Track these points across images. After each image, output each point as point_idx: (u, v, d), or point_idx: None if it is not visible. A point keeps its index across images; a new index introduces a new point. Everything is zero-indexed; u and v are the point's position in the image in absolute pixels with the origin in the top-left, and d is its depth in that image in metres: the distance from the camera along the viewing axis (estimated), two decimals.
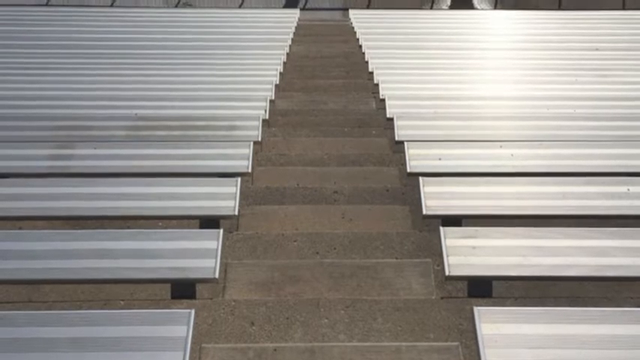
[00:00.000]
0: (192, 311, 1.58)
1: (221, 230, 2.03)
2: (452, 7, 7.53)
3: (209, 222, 2.26)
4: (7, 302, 1.93)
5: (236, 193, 2.32)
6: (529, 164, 2.68)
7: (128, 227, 2.33)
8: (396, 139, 3.01)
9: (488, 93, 3.84)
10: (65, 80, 4.01)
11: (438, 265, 2.09)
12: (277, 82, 4.06)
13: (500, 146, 2.76)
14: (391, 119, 3.18)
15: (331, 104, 3.99)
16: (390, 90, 3.76)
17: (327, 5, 7.49)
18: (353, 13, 6.29)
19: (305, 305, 1.88)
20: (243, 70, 4.35)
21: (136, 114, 3.29)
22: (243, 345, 1.75)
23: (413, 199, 2.55)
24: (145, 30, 5.46)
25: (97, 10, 6.66)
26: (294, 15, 6.13)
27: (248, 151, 2.72)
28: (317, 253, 2.26)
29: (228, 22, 5.82)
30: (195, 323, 1.58)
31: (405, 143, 2.76)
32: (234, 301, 1.93)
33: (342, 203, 2.66)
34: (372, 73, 4.28)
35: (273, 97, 3.76)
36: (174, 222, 2.40)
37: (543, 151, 2.77)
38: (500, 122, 3.22)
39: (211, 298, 1.96)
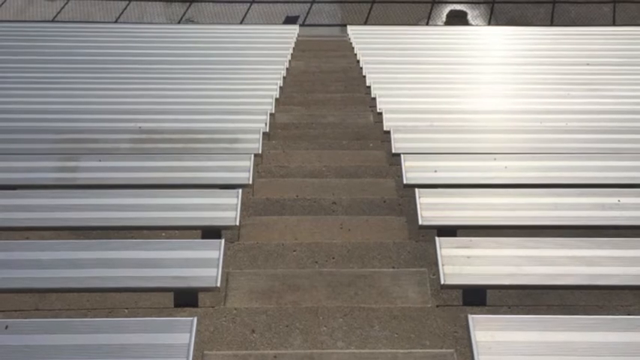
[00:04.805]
0: (195, 319, 1.61)
1: (222, 240, 2.06)
2: (447, 23, 7.68)
3: (211, 232, 2.30)
4: (15, 310, 1.96)
5: (237, 204, 2.35)
6: (522, 176, 2.72)
7: (132, 237, 2.37)
8: (393, 151, 3.05)
9: (482, 107, 3.90)
10: (71, 94, 4.07)
11: (433, 274, 2.13)
12: (277, 96, 4.13)
13: (495, 159, 2.81)
14: (388, 132, 3.23)
15: (330, 118, 4.05)
16: (387, 104, 3.83)
17: (326, 22, 7.64)
18: (351, 29, 6.39)
19: (304, 313, 1.91)
20: (244, 84, 4.41)
21: (139, 127, 3.35)
22: (244, 352, 1.78)
23: (409, 210, 2.60)
24: (149, 45, 5.54)
25: (101, 26, 6.77)
26: (293, 31, 6.23)
27: (249, 163, 2.76)
28: (316, 262, 2.30)
29: (230, 38, 5.90)
30: (197, 331, 1.61)
31: (402, 155, 2.80)
32: (236, 309, 1.96)
33: (341, 214, 2.70)
34: (369, 87, 4.36)
35: (273, 111, 3.82)
36: (177, 232, 2.43)
37: (536, 163, 2.82)
38: (495, 135, 3.27)
39: (213, 307, 1.99)
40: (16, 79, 4.44)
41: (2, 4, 7.83)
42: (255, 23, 7.48)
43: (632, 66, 4.94)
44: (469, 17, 7.76)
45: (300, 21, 7.48)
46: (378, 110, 3.79)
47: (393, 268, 2.27)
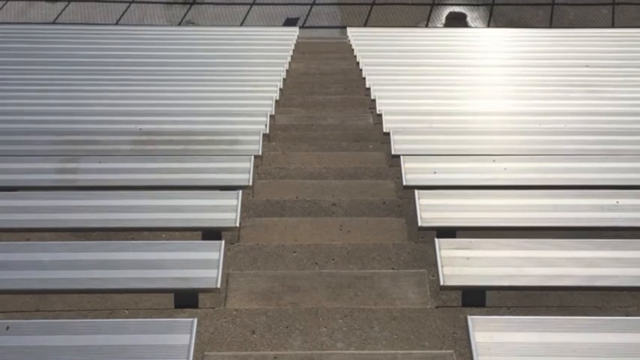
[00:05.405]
0: (195, 320, 1.61)
1: (223, 241, 2.07)
2: (446, 25, 7.72)
3: (211, 233, 2.31)
4: (16, 311, 1.97)
5: (237, 206, 2.36)
6: (521, 177, 2.73)
7: (133, 239, 2.39)
8: (393, 153, 3.06)
9: (481, 108, 3.91)
10: (71, 96, 4.09)
11: (433, 276, 2.13)
12: (277, 98, 4.15)
13: (494, 160, 2.82)
14: (388, 134, 3.25)
15: (330, 119, 4.07)
16: (387, 105, 3.85)
17: (326, 24, 7.69)
18: (351, 31, 6.42)
19: (304, 314, 1.92)
20: (244, 86, 4.43)
21: (140, 129, 3.36)
22: (245, 353, 1.79)
23: (409, 211, 2.60)
24: (149, 47, 5.57)
25: (102, 27, 6.80)
26: (293, 33, 6.26)
27: (249, 164, 2.77)
28: (316, 263, 2.31)
29: (230, 40, 5.92)
30: (197, 332, 1.62)
31: (401, 157, 2.81)
32: (236, 310, 1.96)
33: (340, 215, 2.71)
34: (369, 89, 4.38)
35: (273, 113, 3.84)
36: (178, 233, 2.44)
37: (535, 164, 2.83)
38: (494, 137, 3.28)
39: (213, 308, 1.99)
40: (16, 81, 4.45)
41: (3, 5, 7.87)
42: (256, 25, 7.52)
43: (631, 68, 4.96)
44: (468, 19, 7.80)
45: (300, 23, 7.52)
46: (378, 112, 3.80)
47: (393, 269, 2.28)
